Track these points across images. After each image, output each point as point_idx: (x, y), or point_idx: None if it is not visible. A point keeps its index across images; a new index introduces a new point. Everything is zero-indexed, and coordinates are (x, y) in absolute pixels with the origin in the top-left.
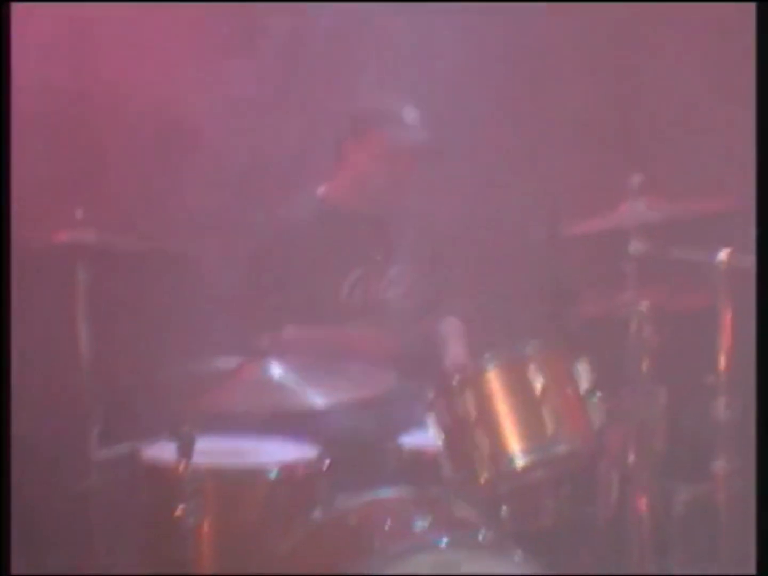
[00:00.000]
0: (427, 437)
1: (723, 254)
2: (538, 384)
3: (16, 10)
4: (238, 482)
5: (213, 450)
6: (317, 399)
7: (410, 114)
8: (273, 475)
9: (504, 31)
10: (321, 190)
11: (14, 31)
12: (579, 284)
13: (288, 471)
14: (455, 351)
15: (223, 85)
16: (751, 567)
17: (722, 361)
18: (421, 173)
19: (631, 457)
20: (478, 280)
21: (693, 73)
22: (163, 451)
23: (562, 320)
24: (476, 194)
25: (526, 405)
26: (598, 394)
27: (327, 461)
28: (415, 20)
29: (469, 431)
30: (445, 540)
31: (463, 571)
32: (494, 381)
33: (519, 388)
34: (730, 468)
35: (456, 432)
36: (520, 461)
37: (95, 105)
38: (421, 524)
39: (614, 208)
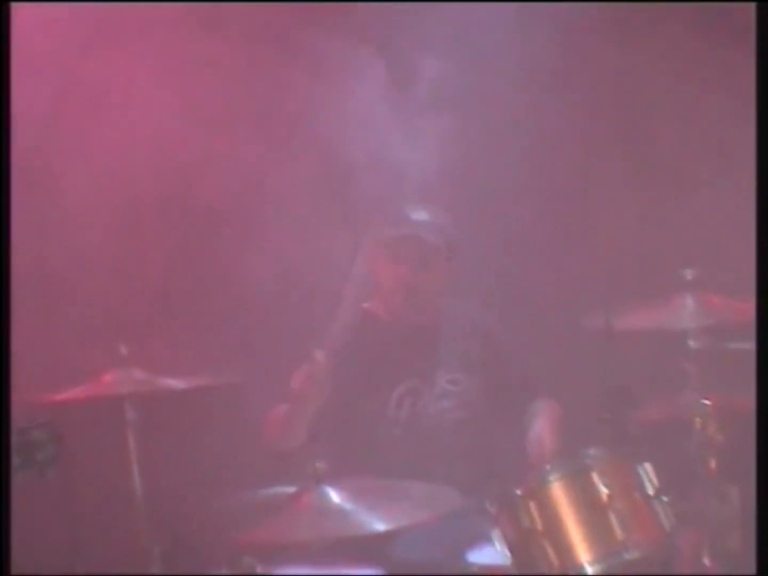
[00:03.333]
0: (495, 553)
1: None
2: (603, 491)
3: None
4: None
5: None
6: (378, 524)
7: (422, 214)
8: None
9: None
10: (365, 305)
11: None
12: (638, 383)
13: None
14: (541, 436)
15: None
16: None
17: None
18: (463, 273)
19: (707, 560)
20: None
21: None
22: None
23: (623, 423)
24: (524, 295)
25: (593, 513)
26: (665, 497)
27: None
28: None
29: (536, 544)
30: None
31: None
32: (558, 491)
33: (584, 497)
34: None
35: (523, 546)
36: (590, 570)
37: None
38: None
39: (667, 302)
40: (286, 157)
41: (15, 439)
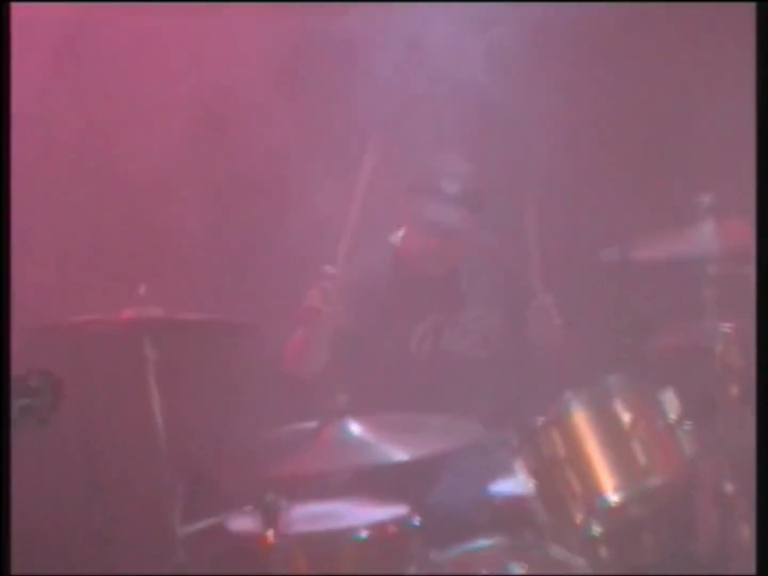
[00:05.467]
0: (518, 484)
1: None
2: (624, 418)
3: None
4: (328, 547)
5: (300, 516)
6: (400, 455)
7: (452, 187)
8: (363, 537)
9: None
10: (392, 240)
11: None
12: (658, 311)
13: (378, 531)
14: None
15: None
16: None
17: None
18: (488, 213)
19: (729, 486)
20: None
21: None
22: (249, 523)
23: (643, 351)
24: (544, 230)
25: (615, 441)
26: (688, 423)
27: (417, 517)
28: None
29: (558, 473)
30: None
31: None
32: (580, 420)
33: (606, 425)
34: None
35: (545, 475)
36: (614, 498)
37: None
38: (517, 572)
39: (685, 231)
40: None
41: (13, 387)
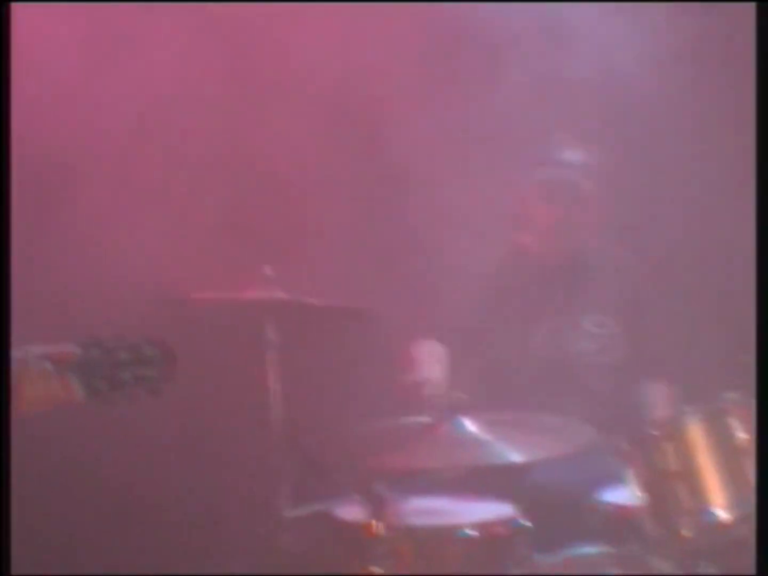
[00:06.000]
0: (627, 493)
1: None
2: (739, 436)
3: None
4: (433, 542)
5: (407, 510)
6: (514, 455)
7: (573, 155)
8: (469, 535)
9: None
10: (516, 237)
11: None
12: None
13: (485, 530)
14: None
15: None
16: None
17: None
18: (617, 217)
19: None
20: (677, 334)
21: None
22: (356, 511)
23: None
24: (677, 237)
25: (728, 457)
26: None
27: (524, 520)
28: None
29: (669, 485)
30: None
31: None
32: (695, 434)
33: (720, 441)
34: None
35: (656, 487)
36: (723, 515)
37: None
38: None
39: None
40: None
41: (124, 354)
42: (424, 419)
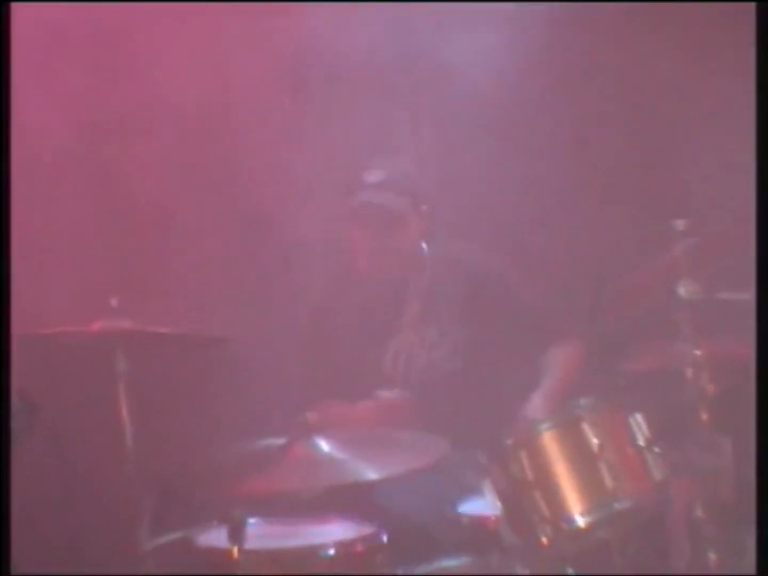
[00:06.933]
0: (485, 504)
1: None
2: (593, 441)
3: None
4: (295, 564)
5: (267, 533)
6: (370, 473)
7: (376, 176)
8: (331, 555)
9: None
10: (350, 260)
11: None
12: (629, 334)
13: (346, 549)
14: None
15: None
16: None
17: None
18: (445, 223)
19: (699, 512)
20: (521, 336)
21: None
22: (216, 537)
23: (614, 374)
24: (515, 243)
25: (584, 463)
26: (657, 448)
27: (385, 536)
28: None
29: (527, 494)
30: None
31: None
32: (549, 442)
33: (575, 447)
34: None
35: (513, 496)
36: (581, 521)
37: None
38: None
39: (660, 256)
40: None
41: None
42: (280, 441)
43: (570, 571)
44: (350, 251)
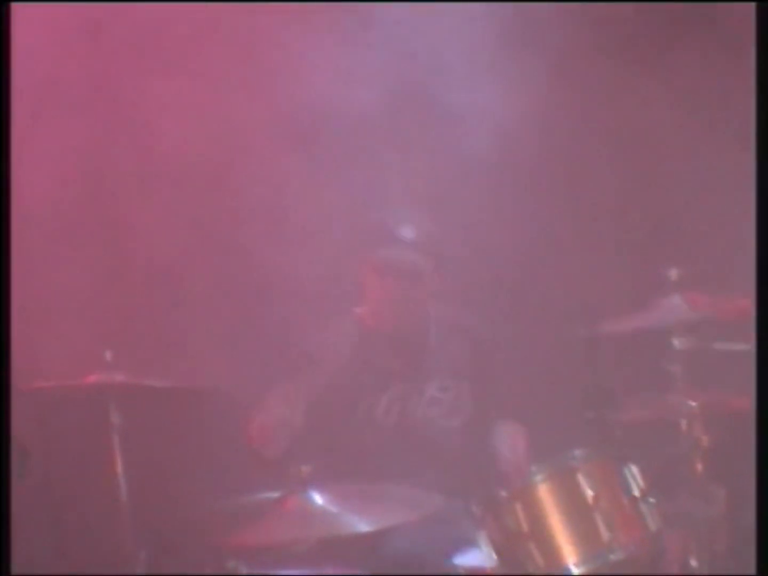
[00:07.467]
0: (481, 556)
1: None
2: (588, 492)
3: None
4: None
5: None
6: (363, 526)
7: (408, 232)
8: None
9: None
10: (357, 311)
11: None
12: (623, 385)
13: None
14: (507, 458)
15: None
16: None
17: None
18: (451, 283)
19: (694, 562)
20: (521, 390)
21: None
22: None
23: (608, 425)
24: (512, 299)
25: (578, 514)
26: (651, 498)
27: None
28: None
29: (522, 546)
30: None
31: None
32: (543, 493)
33: (569, 498)
34: None
35: (508, 547)
36: (576, 571)
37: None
38: None
39: (653, 305)
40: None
41: None
42: (274, 494)
43: None
44: (369, 301)
